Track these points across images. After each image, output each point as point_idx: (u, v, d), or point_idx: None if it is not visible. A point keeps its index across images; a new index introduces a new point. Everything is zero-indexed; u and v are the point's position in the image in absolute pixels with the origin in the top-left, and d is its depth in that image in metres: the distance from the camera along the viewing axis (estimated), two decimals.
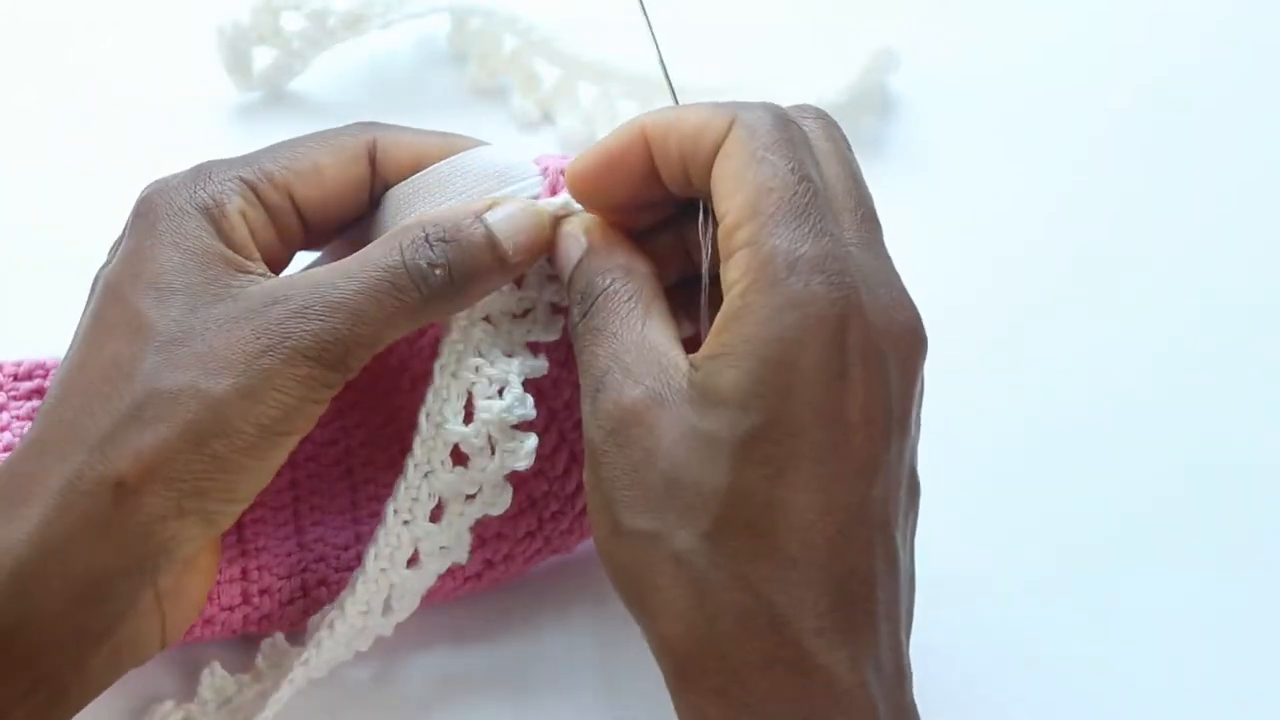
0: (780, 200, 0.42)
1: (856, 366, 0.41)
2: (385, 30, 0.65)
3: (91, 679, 0.43)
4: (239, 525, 0.50)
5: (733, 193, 0.43)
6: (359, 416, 0.54)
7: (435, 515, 0.48)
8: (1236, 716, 0.53)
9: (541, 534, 0.51)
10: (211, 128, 0.66)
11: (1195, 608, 0.55)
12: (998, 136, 0.66)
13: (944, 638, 0.52)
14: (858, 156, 0.46)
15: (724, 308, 0.42)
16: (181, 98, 0.66)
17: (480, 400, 0.47)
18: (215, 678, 0.49)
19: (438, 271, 0.44)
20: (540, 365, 0.48)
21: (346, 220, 0.48)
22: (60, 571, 0.41)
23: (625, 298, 0.44)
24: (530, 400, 0.47)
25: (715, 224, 0.44)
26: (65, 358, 0.45)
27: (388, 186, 0.48)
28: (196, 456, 0.42)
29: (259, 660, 0.50)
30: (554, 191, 0.47)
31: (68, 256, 0.55)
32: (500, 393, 0.47)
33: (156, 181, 0.47)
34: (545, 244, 0.46)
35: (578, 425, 0.49)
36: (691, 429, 0.41)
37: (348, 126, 0.48)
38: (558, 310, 0.48)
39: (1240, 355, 0.61)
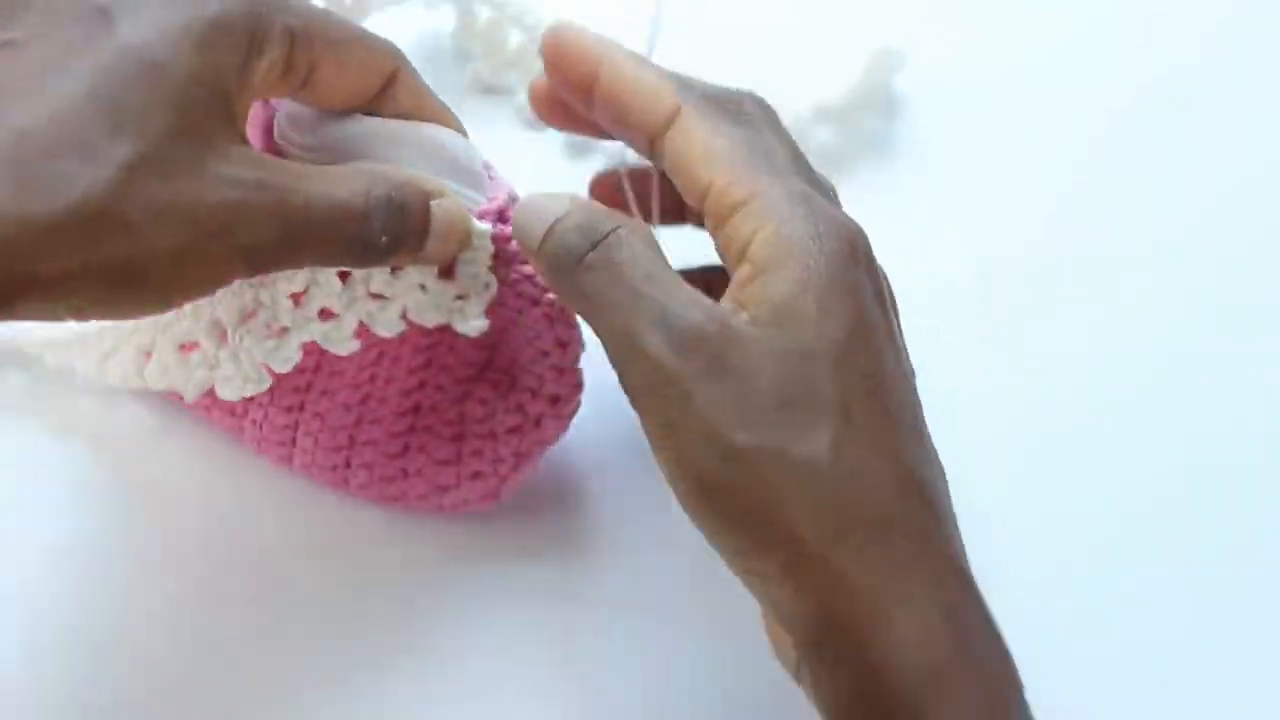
0: (754, 156, 0.45)
1: (868, 266, 0.44)
2: (388, 26, 0.64)
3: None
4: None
5: (705, 167, 0.45)
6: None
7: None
8: (1236, 716, 0.53)
9: (459, 465, 0.52)
10: None
11: (1194, 607, 0.55)
12: (1001, 136, 0.66)
13: None
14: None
15: (759, 247, 0.43)
16: None
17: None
18: None
19: (384, 238, 0.44)
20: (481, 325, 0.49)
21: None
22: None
23: (644, 245, 0.44)
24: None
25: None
26: None
27: (377, 113, 0.48)
28: None
29: None
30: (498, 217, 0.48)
31: None
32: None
33: None
34: (450, 255, 0.47)
35: (530, 385, 0.51)
36: (790, 348, 0.42)
37: (383, 41, 0.47)
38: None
39: (1240, 355, 0.61)
